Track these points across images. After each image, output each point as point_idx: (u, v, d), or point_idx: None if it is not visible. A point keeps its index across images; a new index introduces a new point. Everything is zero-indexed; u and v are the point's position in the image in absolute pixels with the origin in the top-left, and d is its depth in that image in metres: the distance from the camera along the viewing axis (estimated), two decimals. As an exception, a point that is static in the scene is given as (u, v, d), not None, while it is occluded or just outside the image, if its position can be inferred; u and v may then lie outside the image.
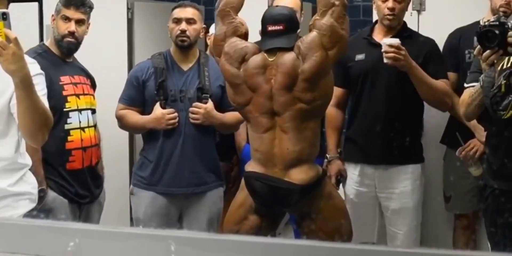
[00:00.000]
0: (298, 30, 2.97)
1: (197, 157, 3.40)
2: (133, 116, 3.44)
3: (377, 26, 3.54)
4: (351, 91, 3.55)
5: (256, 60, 2.90)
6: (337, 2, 2.81)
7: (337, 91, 3.29)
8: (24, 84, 2.28)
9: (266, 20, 2.90)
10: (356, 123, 3.52)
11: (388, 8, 3.37)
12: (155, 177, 3.41)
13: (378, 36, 3.48)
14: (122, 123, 3.49)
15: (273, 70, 2.87)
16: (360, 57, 3.45)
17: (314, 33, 2.84)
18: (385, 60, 3.24)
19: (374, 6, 3.53)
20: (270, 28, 2.88)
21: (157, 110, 3.37)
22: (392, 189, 3.48)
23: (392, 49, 3.21)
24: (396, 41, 3.23)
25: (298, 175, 2.87)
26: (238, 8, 2.98)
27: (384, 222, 3.57)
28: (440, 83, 3.37)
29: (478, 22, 3.56)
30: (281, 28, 2.86)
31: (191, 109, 3.35)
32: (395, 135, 3.40)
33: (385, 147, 3.42)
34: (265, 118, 2.89)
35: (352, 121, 3.55)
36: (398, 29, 3.47)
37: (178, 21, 3.41)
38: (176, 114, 3.36)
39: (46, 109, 2.44)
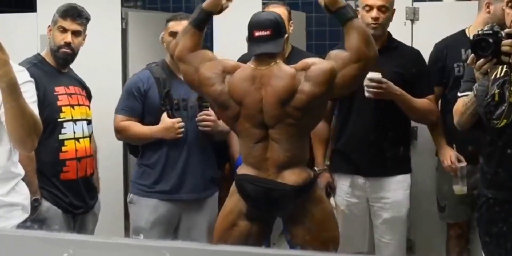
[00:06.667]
0: (285, 35, 2.95)
1: (200, 163, 3.42)
2: (139, 127, 3.40)
3: None
4: (339, 103, 3.55)
5: (243, 72, 2.89)
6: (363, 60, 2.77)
7: None
8: (11, 88, 2.27)
9: (253, 26, 2.88)
10: (345, 136, 3.52)
11: (372, 18, 3.37)
12: (160, 184, 3.39)
13: None
14: (126, 134, 3.44)
15: (263, 80, 2.85)
16: None
17: (331, 63, 2.80)
18: (366, 94, 3.28)
19: (359, 16, 3.51)
20: (257, 33, 2.85)
21: (166, 119, 3.35)
22: (386, 199, 3.49)
23: (373, 84, 3.25)
24: (377, 75, 3.24)
25: (291, 177, 2.87)
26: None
27: (373, 233, 3.57)
28: (425, 103, 3.42)
29: (463, 31, 3.57)
30: (268, 33, 2.84)
31: (201, 117, 3.35)
32: (385, 146, 3.43)
33: (375, 159, 3.45)
34: (256, 130, 2.89)
35: (342, 134, 3.54)
36: (384, 40, 3.47)
37: (174, 34, 3.39)
38: (183, 123, 3.36)
39: (34, 114, 2.42)
